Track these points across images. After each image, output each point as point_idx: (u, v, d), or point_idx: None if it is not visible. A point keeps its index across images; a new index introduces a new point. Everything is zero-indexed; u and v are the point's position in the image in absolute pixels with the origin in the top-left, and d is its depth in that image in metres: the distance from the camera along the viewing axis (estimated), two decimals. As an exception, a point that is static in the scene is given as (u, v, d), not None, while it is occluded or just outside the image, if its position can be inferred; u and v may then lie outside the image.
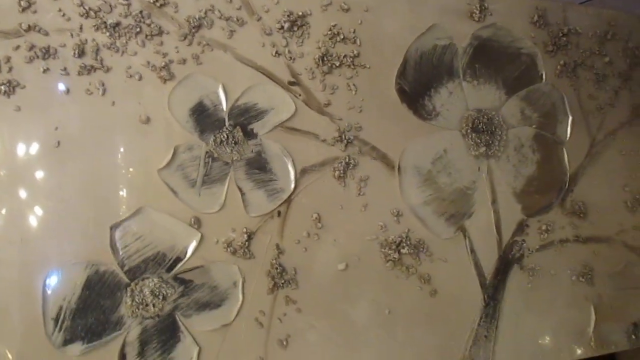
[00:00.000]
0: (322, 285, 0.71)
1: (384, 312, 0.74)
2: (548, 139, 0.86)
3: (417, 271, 0.76)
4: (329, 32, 0.74)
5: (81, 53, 0.63)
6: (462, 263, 0.79)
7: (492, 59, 0.84)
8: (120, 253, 0.63)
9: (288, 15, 0.72)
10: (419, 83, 0.79)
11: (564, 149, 0.87)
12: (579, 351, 0.85)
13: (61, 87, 0.62)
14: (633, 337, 0.89)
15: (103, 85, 0.64)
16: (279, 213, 0.70)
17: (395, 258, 0.75)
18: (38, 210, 0.60)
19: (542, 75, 0.87)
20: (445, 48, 0.81)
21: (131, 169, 0.64)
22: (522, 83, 0.85)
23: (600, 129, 0.91)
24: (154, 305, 0.63)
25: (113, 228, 0.63)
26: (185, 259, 0.65)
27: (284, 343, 0.69)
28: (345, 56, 0.75)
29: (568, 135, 0.88)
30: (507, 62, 0.85)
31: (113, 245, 0.62)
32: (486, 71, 0.83)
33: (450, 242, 0.79)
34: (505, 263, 0.82)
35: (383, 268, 0.75)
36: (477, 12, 0.83)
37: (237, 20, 0.70)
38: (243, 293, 0.68)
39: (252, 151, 0.69)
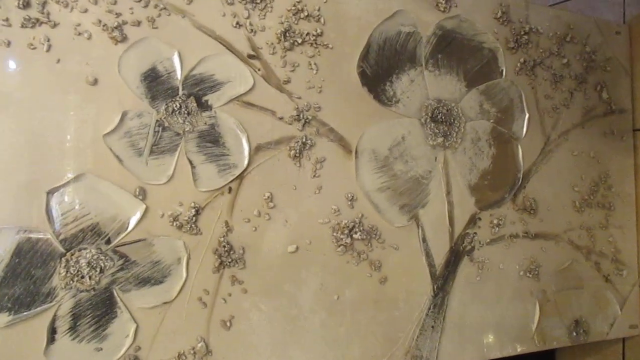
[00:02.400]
0: (270, 266, 0.69)
1: (333, 297, 0.73)
2: (504, 134, 0.87)
3: (368, 257, 0.75)
4: (293, 8, 0.72)
5: (26, 4, 0.59)
6: (413, 252, 0.79)
7: (454, 50, 0.83)
8: (57, 220, 0.59)
9: (251, -14, 0.70)
10: (381, 68, 0.78)
11: (519, 146, 0.88)
12: (522, 346, 0.86)
13: (1, 38, 0.58)
14: (574, 334, 0.90)
15: (48, 40, 0.59)
16: (230, 189, 0.68)
17: (347, 243, 0.73)
18: (-33, 168, 0.56)
19: (502, 71, 0.88)
20: (410, 35, 0.80)
21: (74, 132, 0.60)
22: (482, 77, 0.86)
23: (554, 129, 0.92)
24: (90, 278, 0.60)
25: (50, 193, 0.59)
26: (127, 231, 0.62)
27: (228, 324, 0.67)
28: (308, 34, 0.73)
29: (524, 132, 0.89)
30: (469, 54, 0.85)
31: (49, 212, 0.58)
32: (448, 62, 0.83)
33: (403, 230, 0.78)
34: (456, 255, 0.81)
35: (334, 253, 0.73)
36: (443, 2, 0.82)
37: (198, -14, 0.67)
38: (187, 270, 0.65)
39: (205, 123, 0.67)
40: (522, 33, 0.89)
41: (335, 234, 0.73)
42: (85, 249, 0.60)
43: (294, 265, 0.71)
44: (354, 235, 0.74)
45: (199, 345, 0.65)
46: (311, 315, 0.71)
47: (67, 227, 0.59)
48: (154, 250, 0.63)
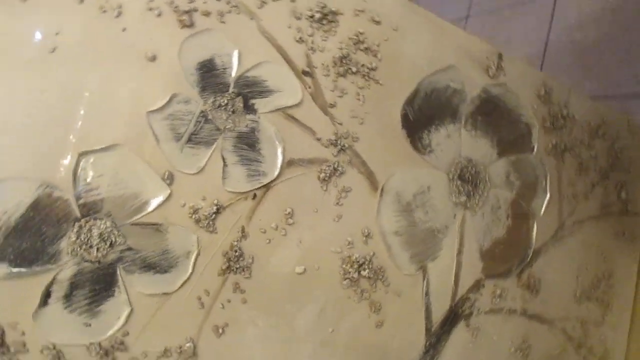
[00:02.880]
0: (275, 282, 0.68)
1: (328, 329, 0.71)
2: (523, 209, 0.87)
3: (370, 297, 0.74)
4: (355, 37, 0.73)
5: (107, -32, 0.59)
6: (414, 303, 0.77)
7: (494, 116, 0.85)
8: (80, 184, 0.57)
9: (322, 7, 0.71)
10: (423, 115, 0.78)
11: (535, 224, 0.88)
12: None
13: (75, -7, 0.58)
14: None
15: (120, 7, 0.60)
16: (255, 196, 0.67)
17: (353, 278, 0.72)
18: (9, 109, 0.54)
19: (533, 147, 0.89)
20: (456, 92, 0.81)
21: (120, 101, 0.59)
22: (514, 148, 0.87)
23: (570, 216, 0.93)
24: (97, 250, 0.58)
25: (82, 155, 0.57)
26: (146, 211, 0.61)
27: (220, 331, 0.64)
28: (363, 65, 0.74)
29: (542, 212, 0.89)
30: (507, 123, 0.86)
31: (76, 174, 0.57)
32: (486, 126, 0.84)
33: (409, 278, 0.77)
34: (454, 316, 0.80)
35: (339, 284, 0.72)
36: (494, 68, 0.84)
37: (272, -7, 0.68)
38: (194, 266, 0.63)
39: (247, 126, 0.66)
40: (560, 116, 0.91)
41: (344, 265, 0.72)
42: (101, 219, 0.58)
43: (297, 287, 0.69)
44: (361, 272, 0.73)
45: (187, 345, 0.62)
46: (304, 342, 0.69)
47: (89, 193, 0.58)
48: (166, 238, 0.62)
